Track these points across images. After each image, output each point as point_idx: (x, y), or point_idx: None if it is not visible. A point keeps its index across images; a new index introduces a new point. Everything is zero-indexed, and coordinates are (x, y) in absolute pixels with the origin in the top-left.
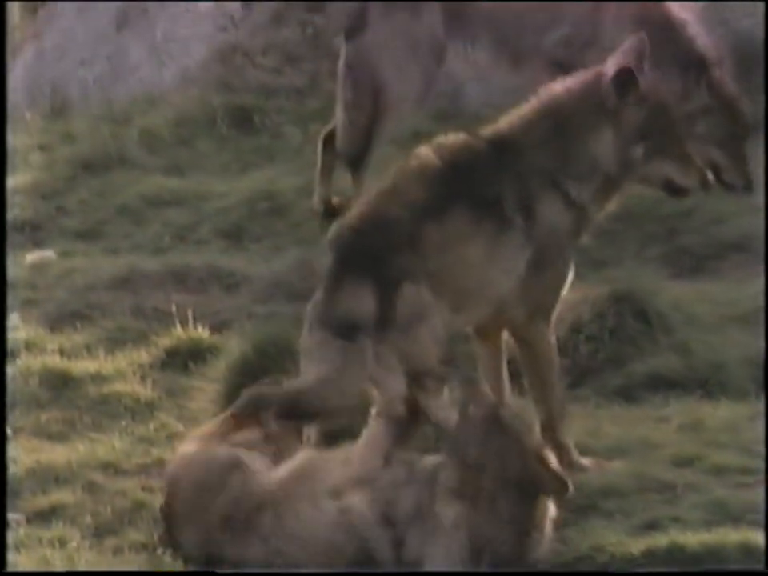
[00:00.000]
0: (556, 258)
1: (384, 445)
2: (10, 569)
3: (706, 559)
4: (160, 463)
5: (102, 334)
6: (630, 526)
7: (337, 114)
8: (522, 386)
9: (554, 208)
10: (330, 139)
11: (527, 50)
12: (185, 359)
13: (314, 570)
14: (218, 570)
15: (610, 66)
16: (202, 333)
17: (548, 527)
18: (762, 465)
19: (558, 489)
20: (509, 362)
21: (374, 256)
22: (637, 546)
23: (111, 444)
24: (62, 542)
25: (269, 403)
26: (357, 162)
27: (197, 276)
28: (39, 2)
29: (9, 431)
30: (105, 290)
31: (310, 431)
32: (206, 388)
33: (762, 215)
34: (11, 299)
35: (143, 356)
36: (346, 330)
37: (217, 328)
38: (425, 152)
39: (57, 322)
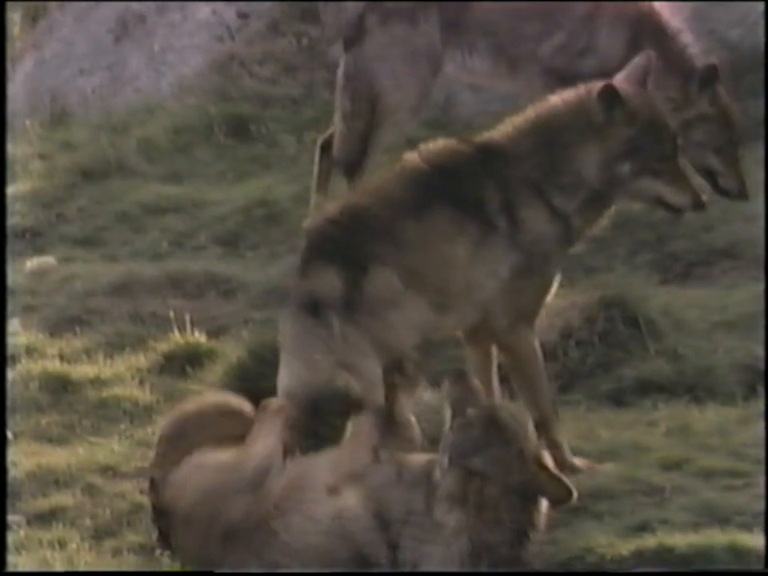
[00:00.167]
0: (541, 265)
1: (370, 438)
2: (10, 570)
3: (695, 560)
4: None
5: (101, 339)
6: (619, 527)
7: (335, 122)
8: (513, 389)
9: (538, 216)
10: (327, 147)
11: (524, 58)
12: (182, 364)
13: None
14: (217, 570)
15: (601, 83)
16: (200, 338)
17: (542, 526)
18: (749, 468)
19: (562, 496)
20: (499, 367)
21: (344, 242)
22: (626, 547)
23: (110, 447)
24: (62, 544)
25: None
26: (353, 170)
27: (194, 282)
28: (40, 13)
29: (10, 435)
30: (104, 295)
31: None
32: (203, 392)
33: (750, 222)
34: (12, 305)
35: (142, 361)
36: (311, 307)
37: (214, 333)
38: (412, 155)
39: (57, 327)
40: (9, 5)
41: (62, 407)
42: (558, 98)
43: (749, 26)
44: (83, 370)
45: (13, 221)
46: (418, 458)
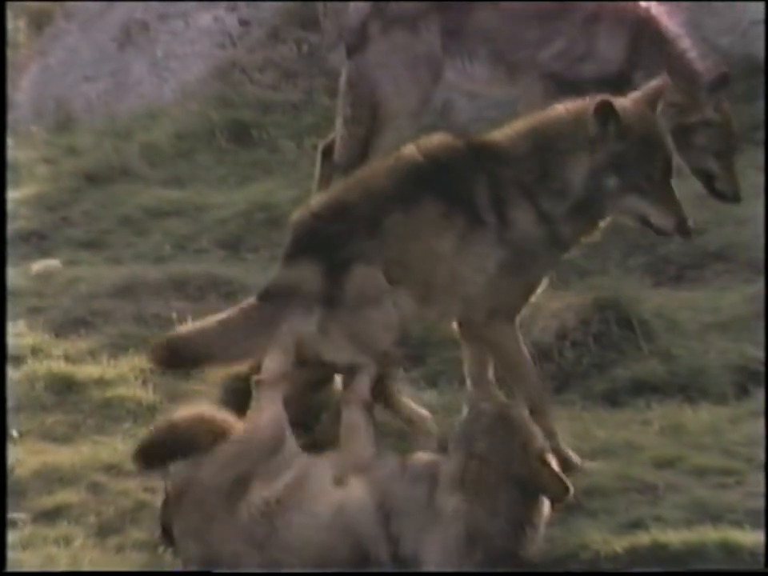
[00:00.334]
0: (527, 266)
1: (367, 430)
2: (15, 567)
3: (687, 557)
4: None
5: (105, 340)
6: (614, 524)
7: (337, 127)
8: (510, 387)
9: (526, 217)
10: (328, 152)
11: (524, 64)
12: None
13: (312, 570)
14: (217, 570)
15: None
16: None
17: (542, 526)
18: (741, 466)
19: (559, 491)
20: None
21: (328, 238)
22: (620, 543)
23: (114, 446)
24: (67, 541)
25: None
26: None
27: (196, 284)
28: (45, 21)
29: (15, 433)
30: (108, 297)
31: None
32: (205, 392)
33: (741, 225)
34: (18, 307)
35: (145, 361)
36: (269, 297)
37: None
38: (410, 148)
39: (62, 329)
40: (14, 11)
41: (66, 407)
42: (562, 107)
43: (739, 33)
44: (88, 371)
45: (19, 224)
46: (422, 456)
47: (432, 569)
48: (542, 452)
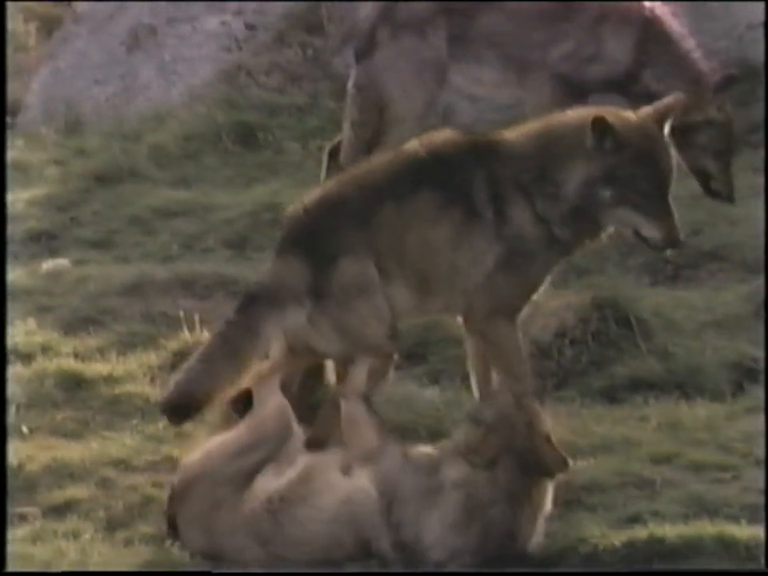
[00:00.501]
0: (524, 264)
1: (369, 421)
2: (26, 560)
3: (684, 551)
4: (169, 460)
5: (113, 337)
6: (612, 519)
7: (343, 129)
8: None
9: (523, 215)
10: (334, 153)
11: (532, 66)
12: None
13: (313, 569)
14: (217, 570)
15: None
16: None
17: (542, 517)
18: (737, 461)
19: (558, 465)
20: None
21: (316, 232)
22: (618, 538)
23: (123, 442)
24: (76, 535)
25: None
26: None
27: (203, 283)
28: (55, 25)
29: (26, 430)
30: (116, 296)
31: None
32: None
33: (735, 225)
34: (28, 305)
35: (153, 359)
36: (251, 300)
37: None
38: (413, 142)
39: (71, 327)
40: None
41: (76, 403)
42: (573, 113)
43: (735, 37)
44: (96, 368)
45: (29, 224)
46: (424, 449)
47: (431, 545)
48: (546, 433)
